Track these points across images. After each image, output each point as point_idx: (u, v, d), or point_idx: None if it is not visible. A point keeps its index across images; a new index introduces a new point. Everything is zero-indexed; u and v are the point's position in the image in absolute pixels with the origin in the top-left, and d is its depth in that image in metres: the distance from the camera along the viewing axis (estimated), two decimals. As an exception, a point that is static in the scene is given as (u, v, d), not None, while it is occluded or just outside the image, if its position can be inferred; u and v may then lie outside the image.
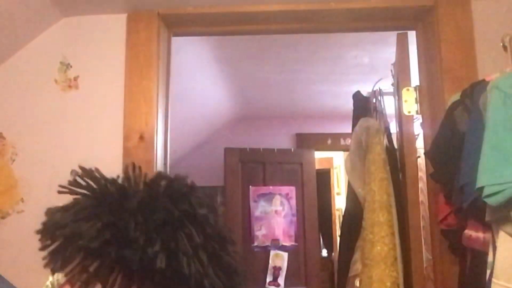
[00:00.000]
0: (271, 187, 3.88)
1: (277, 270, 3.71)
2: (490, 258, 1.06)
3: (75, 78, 1.63)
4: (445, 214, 1.39)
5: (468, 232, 1.22)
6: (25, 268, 1.50)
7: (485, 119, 1.09)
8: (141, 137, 1.56)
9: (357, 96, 2.35)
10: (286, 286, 3.70)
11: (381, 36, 2.16)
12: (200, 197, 0.68)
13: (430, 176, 1.49)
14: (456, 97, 1.33)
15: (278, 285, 3.68)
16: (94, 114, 1.60)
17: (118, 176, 0.77)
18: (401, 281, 1.74)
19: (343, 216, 2.35)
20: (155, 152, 1.57)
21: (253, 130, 4.18)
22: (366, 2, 1.59)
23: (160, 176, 0.71)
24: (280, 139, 4.18)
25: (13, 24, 1.55)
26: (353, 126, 2.18)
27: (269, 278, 3.69)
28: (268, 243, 3.76)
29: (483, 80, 1.25)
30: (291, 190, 3.91)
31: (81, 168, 0.72)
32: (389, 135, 2.06)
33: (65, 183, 1.63)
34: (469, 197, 1.08)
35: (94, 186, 0.71)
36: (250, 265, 3.68)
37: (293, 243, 3.81)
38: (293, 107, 3.89)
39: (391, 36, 1.89)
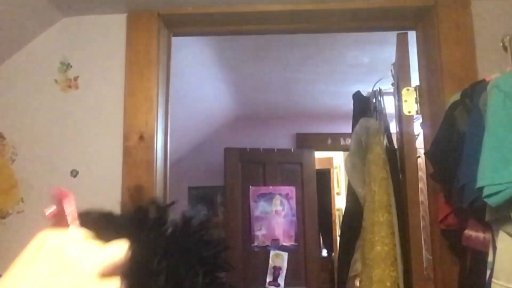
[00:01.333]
0: (271, 187, 3.88)
1: (277, 270, 3.72)
2: (490, 258, 1.06)
3: (75, 78, 1.63)
4: (445, 214, 1.39)
5: (468, 232, 1.22)
6: (25, 268, 1.50)
7: (485, 119, 1.09)
8: (141, 137, 1.56)
9: (357, 96, 2.35)
10: (286, 286, 3.70)
11: (381, 36, 2.16)
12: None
13: (430, 176, 1.49)
14: (456, 97, 1.33)
15: (278, 285, 3.69)
16: (94, 114, 1.61)
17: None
18: (401, 281, 1.74)
19: (343, 216, 2.36)
20: (155, 152, 1.57)
21: (253, 130, 4.18)
22: (366, 2, 1.59)
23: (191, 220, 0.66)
24: (280, 139, 4.18)
25: (13, 24, 1.55)
26: (353, 126, 2.18)
27: (269, 278, 3.70)
28: (268, 243, 3.77)
29: (483, 80, 1.25)
30: (291, 190, 3.91)
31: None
32: (389, 135, 2.06)
33: (65, 183, 1.63)
34: (469, 197, 1.08)
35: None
36: (250, 265, 3.68)
37: (293, 243, 3.82)
38: (293, 107, 3.89)
39: (391, 36, 1.89)
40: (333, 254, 5.13)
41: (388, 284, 1.73)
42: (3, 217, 1.58)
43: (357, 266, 1.98)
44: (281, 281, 3.69)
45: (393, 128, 2.10)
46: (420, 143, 1.83)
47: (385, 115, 2.17)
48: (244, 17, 1.67)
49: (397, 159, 1.98)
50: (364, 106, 2.27)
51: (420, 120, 1.74)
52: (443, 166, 1.33)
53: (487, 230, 1.12)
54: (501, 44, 1.46)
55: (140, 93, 1.58)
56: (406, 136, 1.76)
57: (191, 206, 3.77)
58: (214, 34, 1.93)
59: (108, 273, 0.45)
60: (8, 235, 1.56)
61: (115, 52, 1.63)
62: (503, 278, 0.99)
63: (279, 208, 3.87)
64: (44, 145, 1.60)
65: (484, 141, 1.05)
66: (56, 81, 1.63)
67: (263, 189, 3.87)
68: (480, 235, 1.17)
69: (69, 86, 1.62)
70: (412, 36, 1.76)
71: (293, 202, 3.90)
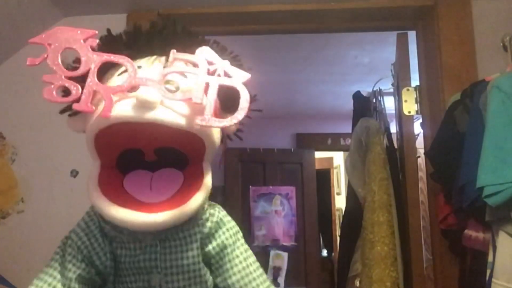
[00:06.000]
0: (271, 187, 3.88)
1: (277, 270, 3.71)
2: (490, 258, 1.06)
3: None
4: (445, 214, 1.39)
5: (468, 232, 1.22)
6: (25, 268, 1.50)
7: (485, 119, 1.09)
8: (141, 137, 1.55)
9: (357, 96, 2.35)
10: (286, 286, 3.70)
11: (381, 36, 2.16)
12: None
13: (430, 176, 1.49)
14: (456, 97, 1.34)
15: (278, 285, 3.69)
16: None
17: None
18: (401, 281, 1.74)
19: (343, 216, 2.36)
20: (155, 152, 1.56)
21: (253, 130, 4.17)
22: (366, 2, 1.59)
23: None
24: (280, 139, 4.18)
25: (14, 24, 1.55)
26: (353, 126, 2.18)
27: (269, 278, 3.69)
28: (268, 243, 3.76)
29: (483, 80, 1.25)
30: (291, 190, 3.91)
31: None
32: (389, 135, 2.06)
33: (65, 183, 1.63)
34: (469, 197, 1.08)
35: None
36: (250, 265, 3.67)
37: (293, 243, 3.81)
38: (293, 107, 3.89)
39: (391, 36, 1.89)
40: (333, 254, 5.13)
41: (388, 284, 1.73)
42: (3, 217, 1.58)
43: (357, 266, 1.98)
44: (281, 281, 3.69)
45: (393, 128, 2.10)
46: (420, 143, 1.83)
47: (385, 115, 2.17)
48: (244, 17, 1.67)
49: (397, 159, 1.98)
50: (364, 106, 2.27)
51: (420, 120, 1.74)
52: (443, 166, 1.33)
53: (487, 230, 1.12)
54: (501, 44, 1.46)
55: (140, 93, 1.58)
56: (406, 136, 1.75)
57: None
58: (214, 34, 1.93)
59: None
60: (8, 235, 1.56)
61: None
62: (503, 278, 0.99)
63: (279, 208, 3.86)
64: (44, 145, 1.60)
65: (484, 141, 1.05)
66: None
67: (263, 189, 3.87)
68: (480, 235, 1.17)
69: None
70: (412, 36, 1.76)
71: (293, 202, 3.90)
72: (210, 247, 0.77)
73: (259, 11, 1.63)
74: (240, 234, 0.82)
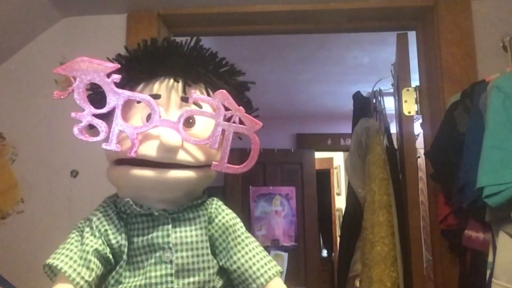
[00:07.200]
0: (271, 187, 3.88)
1: (277, 270, 3.71)
2: (490, 258, 1.06)
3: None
4: (445, 214, 1.39)
5: (468, 232, 1.22)
6: (25, 268, 1.50)
7: (485, 119, 1.09)
8: (141, 137, 1.56)
9: (357, 96, 2.35)
10: (286, 286, 3.70)
11: (381, 36, 2.16)
12: None
13: (430, 176, 1.49)
14: (456, 97, 1.34)
15: (278, 285, 3.68)
16: (94, 114, 1.60)
17: None
18: (401, 281, 1.74)
19: (343, 216, 2.36)
20: (155, 152, 1.56)
21: (253, 130, 4.17)
22: (366, 2, 1.59)
23: None
24: (280, 139, 4.18)
25: (14, 24, 1.55)
26: (353, 126, 2.18)
27: (269, 278, 3.69)
28: (268, 243, 3.76)
29: (483, 80, 1.25)
30: (291, 190, 3.91)
31: None
32: (389, 135, 2.06)
33: (65, 183, 1.63)
34: (469, 197, 1.08)
35: None
36: (250, 265, 3.67)
37: (293, 243, 3.81)
38: (293, 107, 3.89)
39: (391, 36, 1.89)
40: (333, 254, 5.13)
41: (388, 284, 1.73)
42: (3, 217, 1.58)
43: (357, 266, 1.98)
44: (281, 281, 3.69)
45: (393, 128, 2.10)
46: (420, 143, 1.83)
47: (385, 115, 2.17)
48: (244, 17, 1.67)
49: (397, 160, 1.98)
50: (364, 107, 2.27)
51: (420, 120, 1.74)
52: (443, 167, 1.34)
53: (487, 230, 1.12)
54: (501, 44, 1.46)
55: (140, 93, 1.58)
56: (406, 136, 1.75)
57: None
58: (214, 34, 1.93)
59: None
60: (8, 235, 1.56)
61: (115, 52, 1.63)
62: (503, 278, 0.99)
63: (279, 208, 3.87)
64: (44, 145, 1.60)
65: (484, 141, 1.05)
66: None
67: (263, 189, 3.87)
68: (480, 235, 1.17)
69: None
70: (412, 36, 1.76)
71: (293, 202, 3.90)
72: (213, 230, 0.85)
73: (259, 11, 1.63)
74: (238, 219, 0.91)
